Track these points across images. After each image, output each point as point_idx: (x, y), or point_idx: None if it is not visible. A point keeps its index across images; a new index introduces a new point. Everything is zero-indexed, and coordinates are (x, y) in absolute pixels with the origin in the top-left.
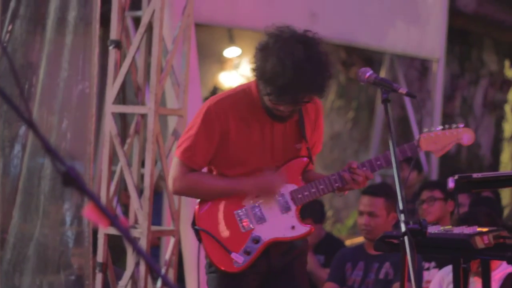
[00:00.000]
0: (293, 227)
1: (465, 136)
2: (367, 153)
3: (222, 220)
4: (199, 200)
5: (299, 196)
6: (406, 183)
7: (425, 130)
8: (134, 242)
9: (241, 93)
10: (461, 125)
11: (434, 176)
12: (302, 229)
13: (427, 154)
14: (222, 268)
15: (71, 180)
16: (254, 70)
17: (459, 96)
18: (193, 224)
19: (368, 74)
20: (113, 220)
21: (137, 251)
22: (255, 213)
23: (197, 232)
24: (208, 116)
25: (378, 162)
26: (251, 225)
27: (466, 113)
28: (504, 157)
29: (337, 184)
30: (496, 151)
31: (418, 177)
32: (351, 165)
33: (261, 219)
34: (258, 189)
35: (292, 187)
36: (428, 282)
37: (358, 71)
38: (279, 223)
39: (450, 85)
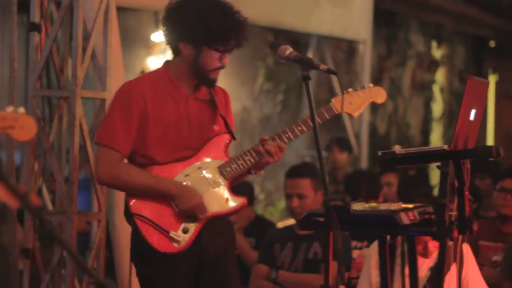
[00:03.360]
0: (227, 200)
1: (378, 94)
2: None
3: (156, 203)
4: None
5: (228, 169)
6: (336, 164)
7: (337, 94)
8: (45, 221)
9: (153, 74)
10: (371, 85)
11: (364, 157)
12: (236, 200)
13: (357, 136)
14: (162, 250)
15: None
16: (187, 34)
17: (387, 78)
18: (127, 211)
19: (287, 52)
20: (22, 199)
21: (49, 231)
22: None
23: (131, 219)
24: (124, 97)
25: (287, 135)
26: None
27: (395, 94)
28: (434, 136)
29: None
30: (425, 131)
31: (348, 158)
32: (263, 138)
33: None
34: (183, 203)
35: (218, 162)
36: (362, 257)
37: (278, 50)
38: (212, 198)
39: (377, 67)
